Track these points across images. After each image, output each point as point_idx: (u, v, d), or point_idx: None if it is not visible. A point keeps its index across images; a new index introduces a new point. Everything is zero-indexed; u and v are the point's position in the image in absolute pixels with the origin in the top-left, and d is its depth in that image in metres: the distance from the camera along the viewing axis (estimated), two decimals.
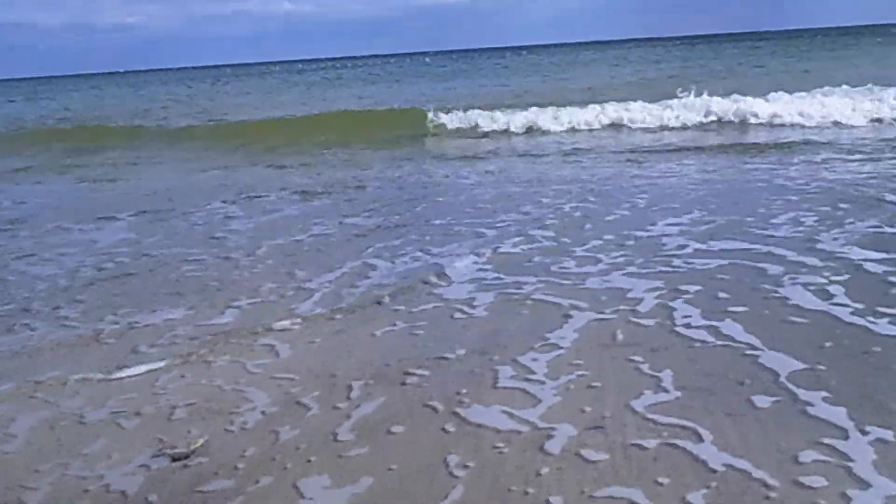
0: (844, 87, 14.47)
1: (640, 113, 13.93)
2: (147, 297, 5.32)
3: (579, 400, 3.41)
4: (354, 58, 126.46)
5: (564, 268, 5.38)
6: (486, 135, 14.36)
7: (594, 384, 3.57)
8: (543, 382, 3.61)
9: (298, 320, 4.65)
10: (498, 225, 6.83)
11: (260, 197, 9.14)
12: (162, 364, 4.09)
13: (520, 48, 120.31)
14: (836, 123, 12.19)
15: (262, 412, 3.49)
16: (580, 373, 3.69)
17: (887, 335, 3.80)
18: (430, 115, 15.31)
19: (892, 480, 2.60)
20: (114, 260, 6.43)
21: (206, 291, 5.34)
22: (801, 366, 3.56)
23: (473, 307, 4.70)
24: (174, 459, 2.98)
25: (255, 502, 2.74)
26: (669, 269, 5.18)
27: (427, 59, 77.24)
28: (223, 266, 5.99)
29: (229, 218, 7.97)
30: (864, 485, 2.59)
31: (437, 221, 7.11)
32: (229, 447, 3.13)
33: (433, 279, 5.29)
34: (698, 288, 4.72)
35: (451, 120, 15.17)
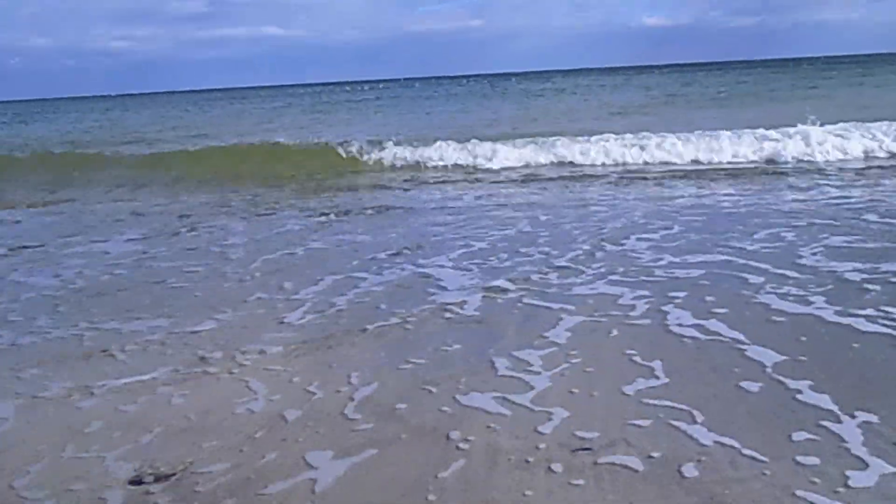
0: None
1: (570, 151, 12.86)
2: None
3: (574, 384, 3.51)
4: (347, 83, 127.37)
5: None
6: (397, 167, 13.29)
7: (588, 370, 3.68)
8: (539, 372, 3.69)
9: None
10: None
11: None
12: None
13: (512, 74, 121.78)
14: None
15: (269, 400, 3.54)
16: (575, 361, 3.79)
17: (866, 331, 3.96)
18: (341, 151, 14.10)
19: (883, 459, 2.71)
20: None
21: None
22: (786, 358, 3.69)
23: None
24: (156, 480, 2.83)
25: None
26: (653, 278, 5.27)
27: (416, 85, 77.87)
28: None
29: None
30: (861, 463, 2.71)
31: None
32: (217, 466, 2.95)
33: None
34: (685, 294, 4.82)
35: (368, 154, 13.95)
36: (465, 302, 4.90)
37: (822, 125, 12.44)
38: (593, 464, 2.80)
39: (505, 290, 5.12)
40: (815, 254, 5.57)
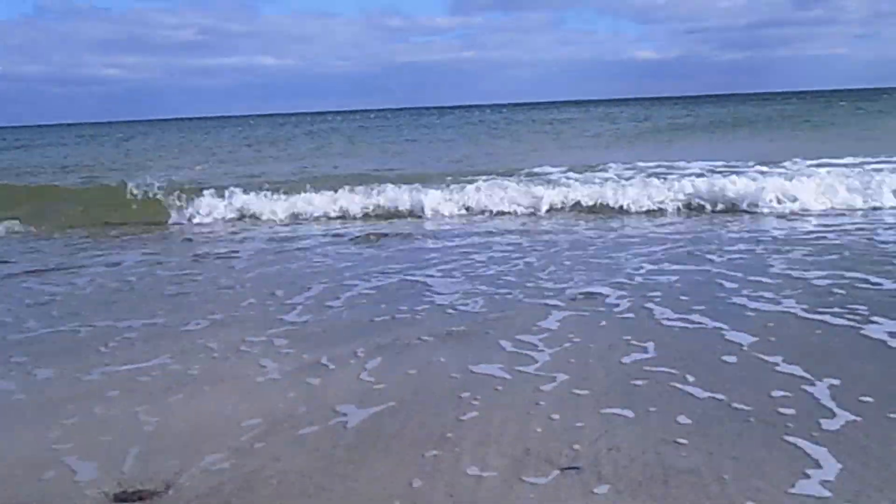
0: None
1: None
2: None
3: (572, 357, 3.90)
4: (338, 112, 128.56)
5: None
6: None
7: (586, 346, 4.07)
8: (540, 349, 4.05)
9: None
10: None
11: None
12: None
13: (503, 105, 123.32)
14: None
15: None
16: (572, 340, 4.17)
17: (831, 324, 4.35)
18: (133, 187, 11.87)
19: (847, 410, 3.12)
20: None
21: None
22: (761, 339, 4.09)
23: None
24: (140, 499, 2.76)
25: None
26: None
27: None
28: None
29: None
30: (830, 412, 3.11)
31: None
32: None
33: None
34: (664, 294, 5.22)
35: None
36: None
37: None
38: (594, 411, 3.17)
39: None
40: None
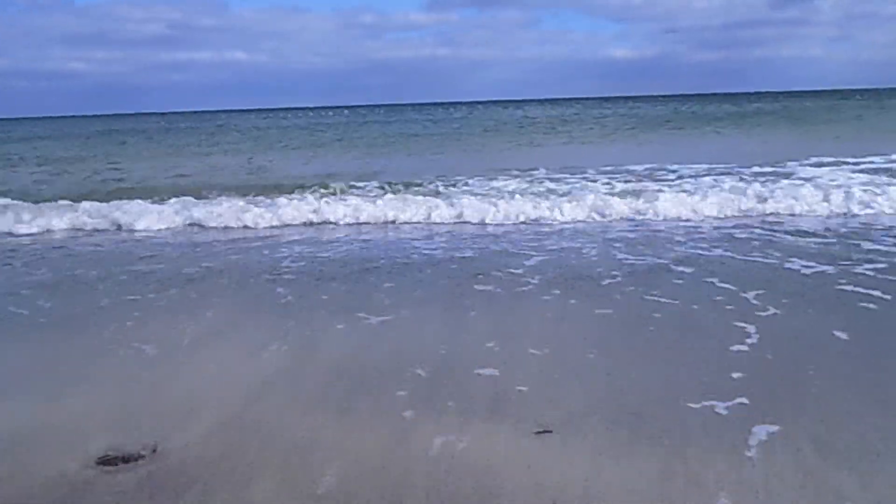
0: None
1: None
2: None
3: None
4: (311, 108, 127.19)
5: None
6: None
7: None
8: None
9: None
10: None
11: None
12: None
13: (479, 103, 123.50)
14: None
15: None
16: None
17: (811, 279, 5.08)
18: None
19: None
20: None
21: None
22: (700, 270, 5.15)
23: None
24: (124, 461, 2.78)
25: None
26: None
27: (380, 111, 75.98)
28: None
29: None
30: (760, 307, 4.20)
31: None
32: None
33: None
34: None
35: None
36: None
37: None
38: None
39: None
40: None
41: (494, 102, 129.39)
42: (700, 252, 6.08)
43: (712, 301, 4.57)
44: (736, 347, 3.72)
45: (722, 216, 7.97)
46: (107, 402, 3.34)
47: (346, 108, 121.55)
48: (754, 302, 4.48)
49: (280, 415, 3.11)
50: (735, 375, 3.34)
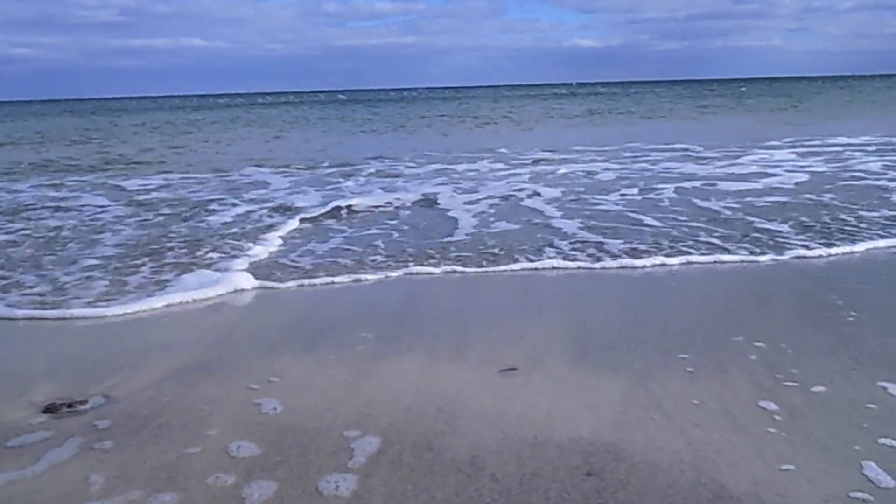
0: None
1: None
2: None
3: None
4: (270, 93, 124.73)
5: None
6: None
7: None
8: None
9: None
10: None
11: None
12: None
13: (446, 88, 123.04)
14: None
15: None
16: None
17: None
18: None
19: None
20: None
21: None
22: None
23: None
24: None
25: None
26: None
27: (342, 97, 71.88)
28: None
29: None
30: None
31: None
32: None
33: None
34: None
35: None
36: None
37: None
38: None
39: None
40: None
41: (465, 88, 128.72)
42: None
43: None
44: None
45: None
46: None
47: (311, 93, 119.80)
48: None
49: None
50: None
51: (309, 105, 49.28)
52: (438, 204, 7.09)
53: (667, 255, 4.57)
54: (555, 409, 2.47)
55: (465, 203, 7.00)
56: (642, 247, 4.85)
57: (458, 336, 3.23)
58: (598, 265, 4.49)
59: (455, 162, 10.93)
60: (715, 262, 4.51)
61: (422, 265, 4.57)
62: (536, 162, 10.60)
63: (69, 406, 2.69)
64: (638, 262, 4.46)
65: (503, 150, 12.80)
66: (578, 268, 4.46)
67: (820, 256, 4.54)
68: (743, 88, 46.90)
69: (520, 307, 3.72)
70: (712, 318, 3.43)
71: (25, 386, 2.87)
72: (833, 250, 4.65)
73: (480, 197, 7.39)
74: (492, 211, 6.55)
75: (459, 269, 4.48)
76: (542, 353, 2.98)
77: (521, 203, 6.96)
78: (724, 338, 3.09)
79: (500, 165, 10.30)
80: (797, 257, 4.55)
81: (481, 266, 4.55)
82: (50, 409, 2.69)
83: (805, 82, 76.85)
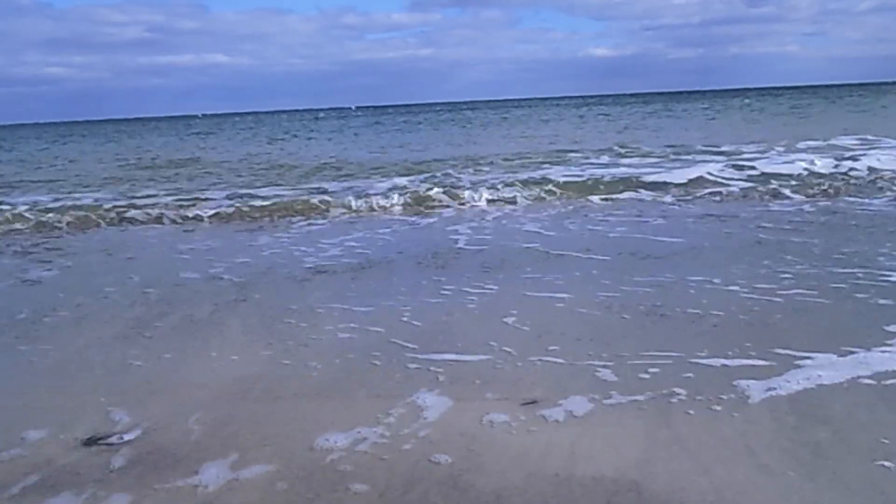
0: None
1: None
2: None
3: None
4: (286, 111, 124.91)
5: None
6: None
7: None
8: None
9: None
10: None
11: None
12: None
13: (463, 103, 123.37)
14: None
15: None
16: None
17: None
18: None
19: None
20: None
21: None
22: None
23: None
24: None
25: None
26: None
27: (359, 114, 70.14)
28: None
29: None
30: None
31: None
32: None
33: None
34: None
35: None
36: None
37: None
38: None
39: None
40: None
41: (481, 102, 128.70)
42: None
43: None
44: None
45: None
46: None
47: (333, 110, 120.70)
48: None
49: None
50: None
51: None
52: None
53: None
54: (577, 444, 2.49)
55: None
56: None
57: None
58: None
59: None
60: None
61: None
62: None
63: (108, 442, 2.75)
64: None
65: None
66: None
67: None
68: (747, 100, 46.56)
69: None
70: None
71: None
72: None
73: None
74: None
75: None
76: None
77: None
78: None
79: None
80: None
81: None
82: (89, 444, 2.76)
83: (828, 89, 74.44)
